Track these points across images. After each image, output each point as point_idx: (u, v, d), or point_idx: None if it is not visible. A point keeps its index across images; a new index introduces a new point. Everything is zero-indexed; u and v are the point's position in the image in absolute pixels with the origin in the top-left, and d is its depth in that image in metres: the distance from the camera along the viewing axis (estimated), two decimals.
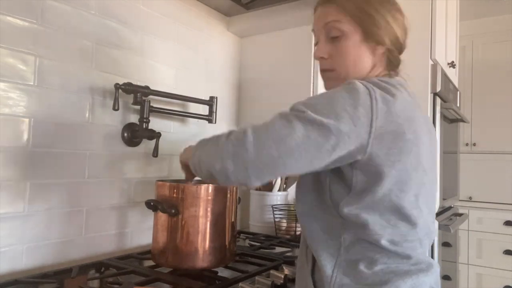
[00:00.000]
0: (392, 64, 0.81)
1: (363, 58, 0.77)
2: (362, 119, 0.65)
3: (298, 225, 1.57)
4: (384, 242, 0.71)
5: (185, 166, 0.87)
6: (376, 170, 0.69)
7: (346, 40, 0.77)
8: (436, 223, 2.01)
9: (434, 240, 1.99)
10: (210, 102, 1.50)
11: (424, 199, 0.74)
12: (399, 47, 0.80)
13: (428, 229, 0.76)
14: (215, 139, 0.71)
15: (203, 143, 0.76)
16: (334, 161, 0.68)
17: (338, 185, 0.73)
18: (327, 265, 0.73)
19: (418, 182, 0.73)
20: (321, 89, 1.56)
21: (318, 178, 0.76)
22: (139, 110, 1.26)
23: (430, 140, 0.78)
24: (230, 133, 0.69)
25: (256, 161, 0.64)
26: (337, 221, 0.74)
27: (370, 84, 0.69)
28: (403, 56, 0.82)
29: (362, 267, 0.71)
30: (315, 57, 0.82)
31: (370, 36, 0.76)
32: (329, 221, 0.75)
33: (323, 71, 0.82)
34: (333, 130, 0.64)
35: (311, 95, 1.56)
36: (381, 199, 0.70)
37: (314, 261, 0.78)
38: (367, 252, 0.71)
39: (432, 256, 1.99)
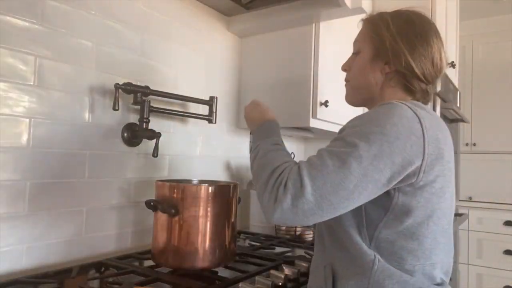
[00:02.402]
0: (414, 91, 0.82)
1: (370, 74, 0.83)
2: (415, 147, 0.67)
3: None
4: (416, 273, 0.71)
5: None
6: (421, 196, 0.69)
7: (360, 56, 0.86)
8: None
9: None
10: (210, 102, 1.50)
11: (450, 228, 0.76)
12: (414, 73, 0.80)
13: (450, 259, 0.78)
14: (274, 181, 0.70)
15: (265, 163, 0.77)
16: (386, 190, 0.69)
17: (374, 205, 0.72)
18: None
19: (450, 209, 0.75)
20: (320, 88, 1.56)
21: None
22: (139, 110, 1.26)
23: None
24: (287, 180, 0.68)
25: (317, 210, 0.65)
26: (368, 251, 0.72)
27: (418, 109, 0.72)
28: None
29: None
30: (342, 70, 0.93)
31: (378, 55, 0.82)
32: (359, 250, 0.72)
33: (345, 82, 0.91)
34: (387, 162, 0.65)
35: (311, 95, 1.56)
36: (420, 225, 0.70)
37: (333, 277, 0.76)
38: (400, 282, 0.69)
39: None
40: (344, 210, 0.67)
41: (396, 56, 0.80)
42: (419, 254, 0.71)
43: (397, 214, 0.70)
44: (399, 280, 0.69)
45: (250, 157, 0.86)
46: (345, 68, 0.91)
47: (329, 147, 0.71)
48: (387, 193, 0.70)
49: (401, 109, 0.70)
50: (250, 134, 0.94)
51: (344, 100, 0.94)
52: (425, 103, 0.85)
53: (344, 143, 0.68)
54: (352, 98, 0.90)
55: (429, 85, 0.83)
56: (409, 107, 0.71)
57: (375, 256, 0.71)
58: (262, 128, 0.90)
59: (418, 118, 0.69)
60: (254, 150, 0.85)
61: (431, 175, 0.69)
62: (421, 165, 0.68)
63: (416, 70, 0.80)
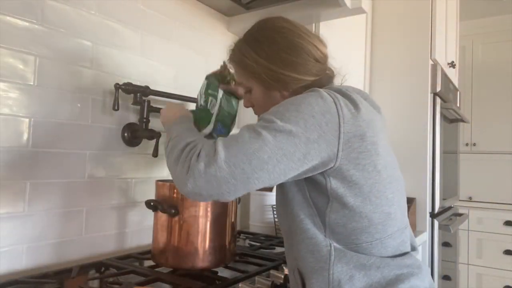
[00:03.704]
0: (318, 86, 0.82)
1: (275, 101, 0.81)
2: (330, 125, 0.69)
3: None
4: (375, 250, 0.72)
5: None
6: (351, 175, 0.70)
7: (254, 93, 0.87)
8: (436, 223, 2.01)
9: (433, 239, 1.99)
10: None
11: (397, 195, 0.77)
12: (309, 80, 0.82)
13: (405, 225, 0.79)
14: (187, 153, 0.70)
15: (178, 141, 0.76)
16: (307, 170, 0.69)
17: (317, 194, 0.74)
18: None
19: (389, 178, 0.75)
20: None
21: (299, 190, 0.76)
22: (139, 110, 1.26)
23: (386, 138, 0.82)
24: (201, 150, 0.69)
25: (230, 178, 0.65)
26: (324, 240, 0.73)
27: (332, 92, 0.74)
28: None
29: (355, 281, 0.70)
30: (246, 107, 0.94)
31: (268, 88, 0.84)
32: (316, 242, 0.74)
33: (257, 115, 0.91)
34: (302, 137, 0.66)
35: None
36: (363, 202, 0.71)
37: (302, 280, 0.78)
38: (357, 266, 0.71)
39: (432, 256, 1.99)
40: (258, 182, 0.66)
41: (284, 82, 0.82)
42: (372, 230, 0.72)
43: (337, 197, 0.71)
44: (356, 265, 0.71)
45: (165, 152, 0.81)
46: (248, 105, 0.92)
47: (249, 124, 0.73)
48: (320, 180, 0.71)
49: (316, 92, 0.73)
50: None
51: None
52: (331, 80, 0.87)
53: (262, 121, 0.71)
54: None
55: (325, 71, 0.85)
56: (324, 91, 0.74)
57: (330, 245, 0.72)
58: (176, 122, 0.88)
59: (332, 98, 0.71)
60: (168, 142, 0.81)
61: (352, 153, 0.70)
62: (338, 143, 0.69)
63: (308, 78, 0.82)
